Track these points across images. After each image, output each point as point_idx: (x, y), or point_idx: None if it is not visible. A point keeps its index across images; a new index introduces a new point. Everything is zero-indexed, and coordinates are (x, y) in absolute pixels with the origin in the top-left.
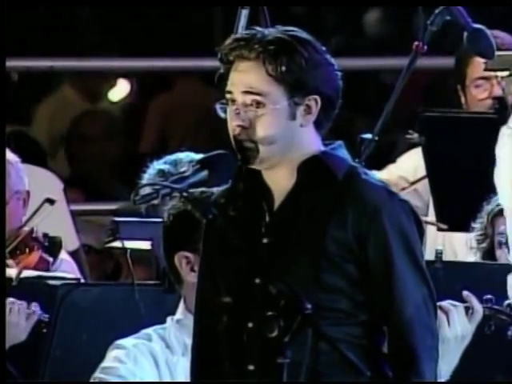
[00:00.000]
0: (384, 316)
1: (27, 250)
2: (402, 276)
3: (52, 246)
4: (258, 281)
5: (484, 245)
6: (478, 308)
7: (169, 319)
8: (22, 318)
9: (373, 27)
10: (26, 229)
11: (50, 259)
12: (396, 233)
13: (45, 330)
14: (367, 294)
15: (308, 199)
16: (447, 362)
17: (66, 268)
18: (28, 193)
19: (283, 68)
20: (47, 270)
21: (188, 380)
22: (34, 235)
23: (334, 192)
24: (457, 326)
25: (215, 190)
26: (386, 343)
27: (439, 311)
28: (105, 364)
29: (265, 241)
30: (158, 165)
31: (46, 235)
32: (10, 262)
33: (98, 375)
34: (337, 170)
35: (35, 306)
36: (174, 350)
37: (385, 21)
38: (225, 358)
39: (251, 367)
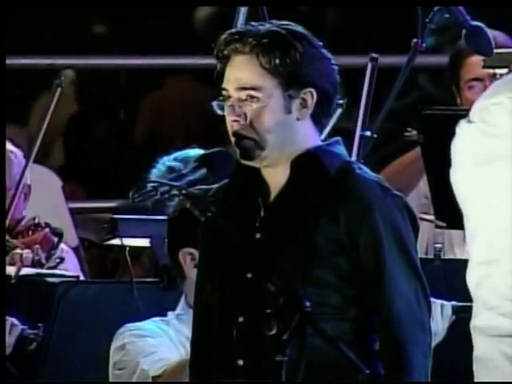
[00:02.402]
0: (375, 312)
1: (30, 232)
2: (394, 272)
3: (54, 232)
4: (249, 276)
5: None
6: (447, 305)
7: (170, 313)
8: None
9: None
10: (28, 217)
11: (55, 239)
12: (388, 229)
13: (33, 347)
14: (357, 289)
15: (301, 194)
16: None
17: (67, 257)
18: (29, 187)
19: (277, 61)
20: (51, 249)
21: None
22: (36, 221)
23: (326, 187)
24: (436, 323)
25: (214, 187)
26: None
27: None
28: (129, 339)
29: (258, 236)
30: (168, 161)
31: (47, 224)
32: (14, 241)
33: (128, 348)
34: (329, 165)
35: (15, 321)
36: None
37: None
38: (215, 351)
39: (240, 362)
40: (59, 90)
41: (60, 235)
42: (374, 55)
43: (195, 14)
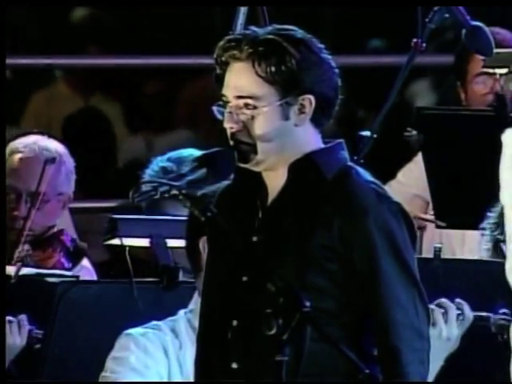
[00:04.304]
0: (371, 318)
1: (50, 249)
2: (390, 279)
3: (76, 251)
4: (245, 279)
5: (496, 233)
6: (469, 316)
7: (181, 311)
8: (15, 335)
9: None
10: (56, 229)
11: (69, 265)
12: (383, 236)
13: (38, 346)
14: (352, 295)
15: (298, 198)
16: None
17: (84, 274)
18: (70, 197)
19: (273, 69)
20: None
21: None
22: (62, 237)
23: (322, 192)
24: (450, 327)
25: (215, 187)
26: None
27: (436, 308)
28: (115, 354)
29: (254, 239)
30: (161, 162)
31: (73, 240)
32: (34, 258)
33: (109, 365)
34: (327, 170)
35: (23, 320)
36: (184, 340)
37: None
38: (211, 354)
39: (235, 365)
40: (52, 166)
41: (81, 252)
42: None
43: (72, 14)
